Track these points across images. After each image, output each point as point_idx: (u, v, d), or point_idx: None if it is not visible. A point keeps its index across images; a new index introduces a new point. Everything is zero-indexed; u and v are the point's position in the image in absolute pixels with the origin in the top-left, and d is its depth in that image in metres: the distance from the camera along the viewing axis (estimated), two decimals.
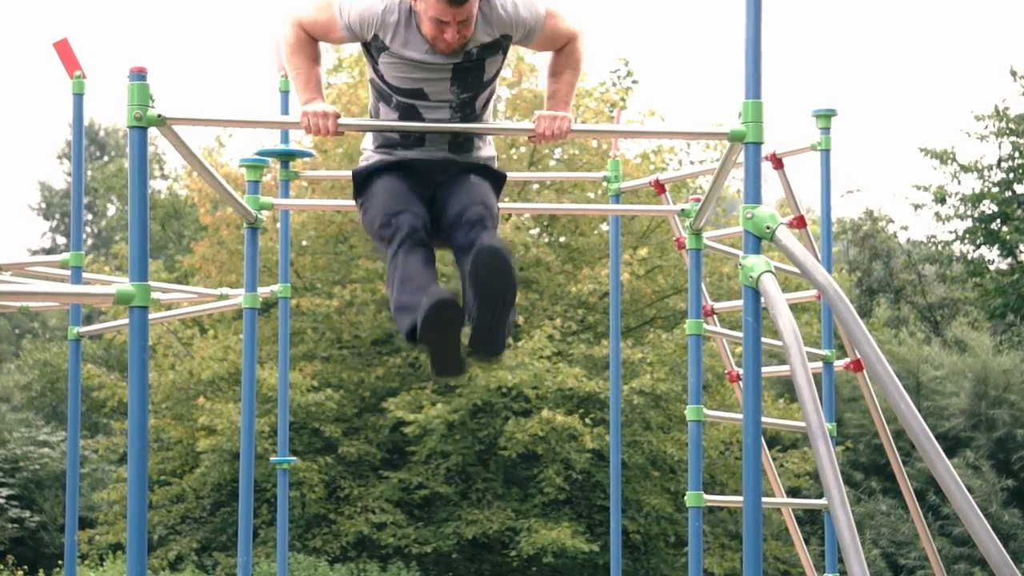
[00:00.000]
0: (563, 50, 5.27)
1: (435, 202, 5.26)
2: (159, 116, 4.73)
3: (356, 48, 21.22)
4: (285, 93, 8.56)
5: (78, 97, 8.00)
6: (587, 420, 20.27)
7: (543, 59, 23.19)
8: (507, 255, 4.80)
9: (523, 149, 22.53)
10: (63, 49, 7.92)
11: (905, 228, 31.05)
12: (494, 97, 5.33)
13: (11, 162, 74.34)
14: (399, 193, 5.14)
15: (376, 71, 5.16)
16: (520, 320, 20.75)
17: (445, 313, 4.72)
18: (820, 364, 8.27)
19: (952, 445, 22.12)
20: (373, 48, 5.11)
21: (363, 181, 5.30)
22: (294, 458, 9.21)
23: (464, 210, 5.07)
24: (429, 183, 5.26)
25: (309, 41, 5.14)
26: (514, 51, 22.11)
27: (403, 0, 5.03)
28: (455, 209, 5.11)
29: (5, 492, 25.04)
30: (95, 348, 27.50)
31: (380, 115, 5.26)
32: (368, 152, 5.39)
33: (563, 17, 5.21)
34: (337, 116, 5.03)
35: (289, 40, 5.13)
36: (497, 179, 5.39)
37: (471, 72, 5.11)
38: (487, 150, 5.41)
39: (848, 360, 8.48)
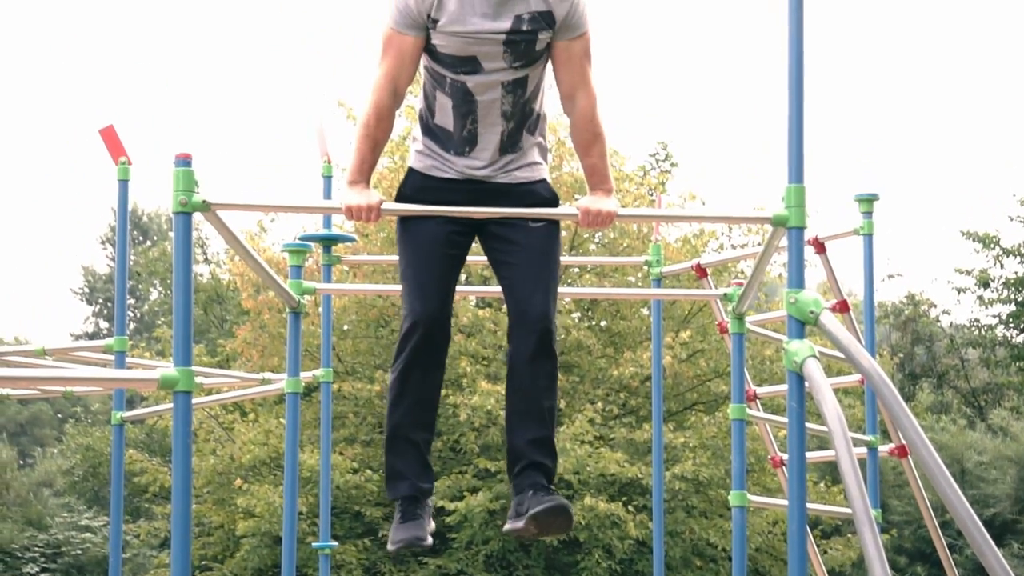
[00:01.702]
0: (583, 115, 5.24)
1: (486, 246, 5.34)
2: (204, 202, 4.75)
3: (397, 133, 21.30)
4: (328, 178, 8.60)
5: (123, 183, 8.06)
6: (630, 507, 20.12)
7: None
8: (567, 507, 5.18)
9: (564, 233, 22.54)
10: (109, 136, 7.99)
11: (947, 312, 30.86)
12: (543, 91, 5.31)
13: (56, 247, 74.99)
14: (429, 272, 5.20)
15: (429, 48, 5.15)
16: (562, 404, 20.68)
17: (416, 545, 5.25)
18: (864, 449, 8.20)
19: (998, 532, 21.87)
20: (428, 28, 5.12)
21: (402, 220, 5.34)
22: (335, 543, 9.17)
23: (526, 317, 5.17)
24: (472, 228, 5.31)
25: (385, 117, 5.18)
26: (554, 133, 22.23)
27: None
28: (519, 303, 5.19)
29: None
30: (137, 432, 27.55)
31: (434, 102, 5.25)
32: (415, 154, 5.38)
33: (591, 61, 5.25)
34: (380, 204, 5.06)
35: (365, 119, 5.19)
36: (553, 207, 5.39)
37: (523, 41, 5.10)
38: (538, 155, 5.38)
39: (893, 445, 8.42)
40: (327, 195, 8.62)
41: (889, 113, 75.43)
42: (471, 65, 5.12)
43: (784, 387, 5.21)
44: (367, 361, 22.65)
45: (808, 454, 6.58)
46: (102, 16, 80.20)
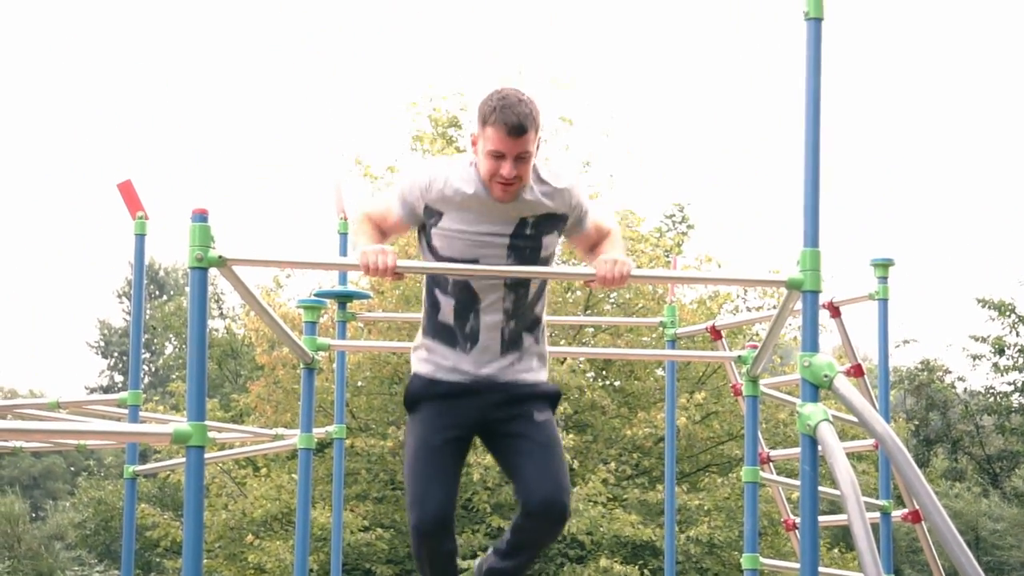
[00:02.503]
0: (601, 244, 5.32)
1: (491, 443, 5.33)
2: (220, 257, 4.76)
3: (408, 134, 21.18)
4: (343, 235, 8.61)
5: (140, 237, 8.08)
6: (645, 571, 20.01)
7: (593, 174, 23.17)
8: None
9: (579, 292, 22.58)
10: (127, 190, 8.02)
11: (962, 379, 30.75)
12: (546, 295, 5.34)
13: (72, 300, 75.18)
14: (433, 465, 5.17)
15: (431, 247, 5.17)
16: (575, 464, 20.63)
17: None
18: (878, 514, 8.17)
19: None
20: (428, 225, 5.15)
21: (410, 406, 5.34)
22: None
23: (549, 512, 5.09)
24: (475, 426, 5.28)
25: (377, 229, 5.22)
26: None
27: (467, 166, 5.11)
28: (531, 492, 5.11)
29: None
30: (149, 486, 27.52)
31: (437, 300, 5.24)
32: (418, 360, 5.36)
33: (601, 216, 5.31)
34: (395, 256, 5.04)
35: (358, 228, 5.23)
36: (555, 402, 5.38)
37: (527, 247, 5.13)
38: (541, 355, 5.35)
39: (906, 511, 8.38)
40: (343, 252, 8.63)
41: (906, 178, 75.54)
42: (475, 263, 5.11)
43: (797, 450, 5.19)
44: (380, 418, 22.62)
45: (821, 518, 6.55)
46: (122, 71, 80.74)
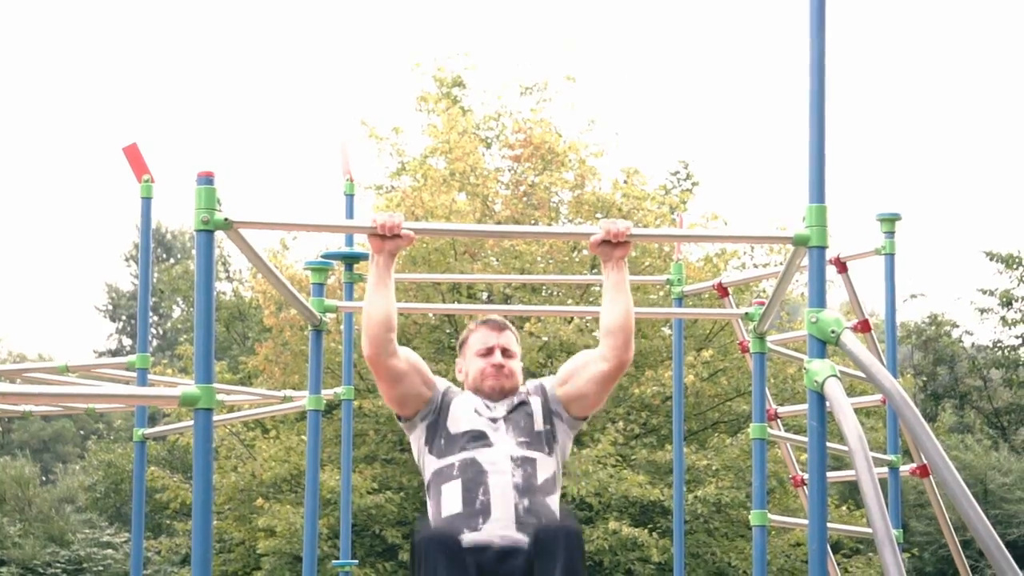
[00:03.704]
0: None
1: None
2: (226, 220, 4.76)
3: (419, 151, 21.30)
4: (350, 196, 8.61)
5: (146, 201, 8.10)
6: (654, 533, 20.03)
7: (602, 165, 23.12)
8: None
9: (585, 252, 22.58)
10: (132, 154, 8.03)
11: (970, 333, 30.75)
12: (558, 471, 5.27)
13: (80, 264, 75.26)
14: None
15: (433, 448, 5.24)
16: (583, 425, 20.62)
17: None
18: (886, 469, 8.19)
19: (1021, 554, 21.75)
20: (432, 426, 5.27)
21: (416, 559, 4.93)
22: (355, 561, 9.17)
23: None
24: None
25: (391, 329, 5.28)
26: (575, 153, 22.23)
27: (462, 392, 5.40)
28: None
29: None
30: (159, 449, 27.60)
31: (440, 497, 5.12)
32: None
33: (584, 365, 5.40)
34: (402, 218, 5.08)
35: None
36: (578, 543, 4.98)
37: (521, 417, 5.27)
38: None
39: (914, 465, 8.40)
40: (349, 214, 8.63)
41: (912, 131, 75.37)
42: (481, 440, 5.17)
43: (805, 407, 5.19)
44: None
45: (829, 474, 6.56)
46: (124, 34, 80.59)
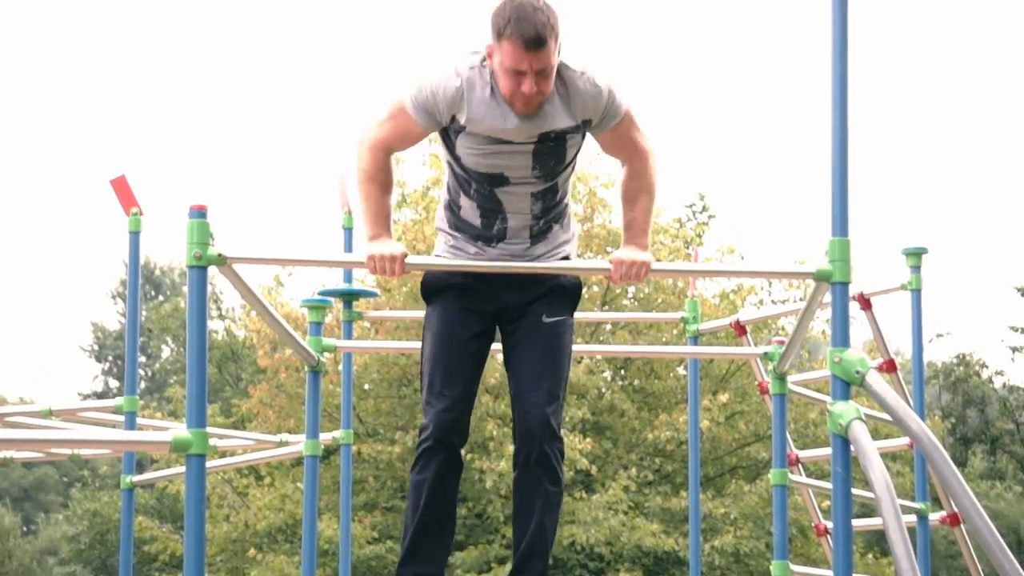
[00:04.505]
0: (635, 170, 5.25)
1: (503, 333, 5.40)
2: (219, 255, 4.75)
3: (421, 184, 21.31)
4: (348, 230, 8.61)
5: (134, 235, 8.08)
6: None
7: (615, 195, 23.30)
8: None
9: (596, 288, 22.59)
10: (120, 186, 8.02)
11: (1001, 373, 30.68)
12: (573, 173, 5.36)
13: (64, 301, 75.32)
14: (452, 357, 5.27)
15: (454, 155, 5.18)
16: (593, 470, 20.63)
17: None
18: (914, 518, 8.16)
19: None
20: (451, 131, 5.13)
21: (428, 297, 5.42)
22: None
23: (527, 425, 5.22)
24: (494, 316, 5.36)
25: (383, 167, 5.19)
26: (585, 184, 22.26)
27: (482, 69, 5.04)
28: (521, 410, 5.25)
29: None
30: (147, 497, 27.58)
31: (459, 199, 5.28)
32: (441, 240, 5.43)
33: (639, 126, 5.21)
34: (404, 257, 5.03)
35: (363, 165, 5.19)
36: (574, 298, 5.45)
37: (552, 154, 5.12)
38: (566, 234, 5.41)
39: (944, 513, 8.37)
40: (348, 248, 8.63)
41: (938, 161, 75.46)
42: (498, 180, 5.17)
43: (828, 451, 5.17)
44: (389, 422, 22.64)
45: (854, 522, 6.54)
46: (114, 62, 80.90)
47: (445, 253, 5.37)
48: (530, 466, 5.22)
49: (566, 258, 5.40)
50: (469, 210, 5.27)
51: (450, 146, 5.18)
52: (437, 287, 5.36)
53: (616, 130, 5.16)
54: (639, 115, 5.21)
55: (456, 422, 5.22)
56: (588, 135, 5.20)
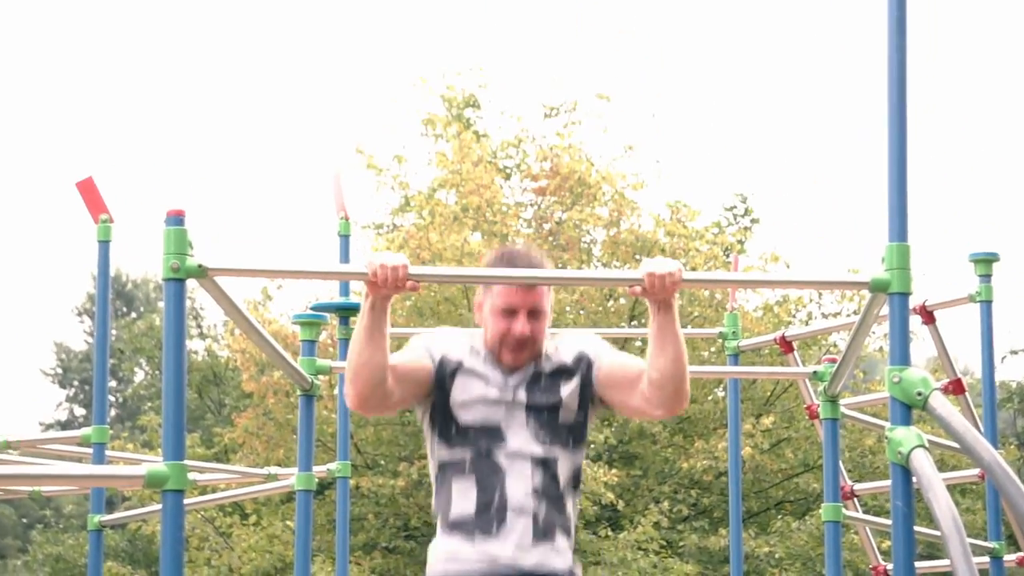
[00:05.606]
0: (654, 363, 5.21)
1: None
2: (199, 266, 4.76)
3: (425, 184, 21.44)
4: (344, 238, 8.61)
5: (103, 244, 8.10)
6: None
7: (642, 198, 23.23)
8: None
9: (623, 301, 22.61)
10: (87, 190, 8.04)
11: None
12: (581, 481, 5.33)
13: (23, 319, 75.44)
14: None
15: (444, 436, 5.22)
16: (620, 504, 20.65)
17: None
18: (986, 558, 8.15)
19: None
20: (447, 383, 5.20)
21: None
22: None
23: None
24: None
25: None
26: (611, 184, 22.29)
27: (472, 335, 5.25)
28: None
29: None
30: (118, 539, 27.61)
31: (451, 492, 5.21)
32: (437, 553, 5.28)
33: (624, 357, 5.32)
34: (407, 268, 5.03)
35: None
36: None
37: (544, 408, 5.16)
38: (568, 542, 5.27)
39: (1021, 554, 8.37)
40: (344, 257, 8.64)
41: (1008, 158, 75.39)
42: (495, 436, 5.16)
43: (887, 483, 5.17)
44: (390, 452, 22.67)
45: (918, 564, 6.53)
46: (80, 52, 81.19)
47: (440, 565, 5.28)
48: None
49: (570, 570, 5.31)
50: (465, 492, 5.21)
51: (435, 417, 5.26)
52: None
53: (601, 363, 5.22)
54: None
55: None
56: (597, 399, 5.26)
